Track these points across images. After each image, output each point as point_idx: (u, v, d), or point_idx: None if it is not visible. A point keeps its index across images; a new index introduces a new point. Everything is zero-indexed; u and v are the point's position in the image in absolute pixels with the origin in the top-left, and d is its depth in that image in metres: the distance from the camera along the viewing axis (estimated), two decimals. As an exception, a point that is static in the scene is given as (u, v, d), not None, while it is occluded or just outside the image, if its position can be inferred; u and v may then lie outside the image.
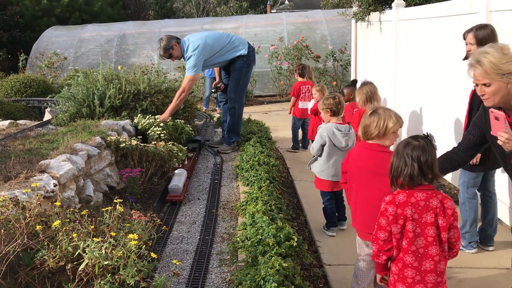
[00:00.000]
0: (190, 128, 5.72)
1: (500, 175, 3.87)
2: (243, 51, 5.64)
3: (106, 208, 2.64)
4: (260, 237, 3.08)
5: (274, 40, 12.91)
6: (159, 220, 3.07)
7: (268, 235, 3.07)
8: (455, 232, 2.15)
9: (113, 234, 2.33)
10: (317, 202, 4.77)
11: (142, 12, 23.07)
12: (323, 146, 3.74)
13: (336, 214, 3.98)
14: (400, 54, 6.50)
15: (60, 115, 5.48)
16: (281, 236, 3.05)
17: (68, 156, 3.55)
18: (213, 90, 6.07)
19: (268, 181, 4.37)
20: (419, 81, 5.78)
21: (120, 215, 2.70)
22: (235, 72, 5.70)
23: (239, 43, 5.67)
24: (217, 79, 6.09)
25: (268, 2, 27.17)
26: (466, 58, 3.74)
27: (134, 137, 4.85)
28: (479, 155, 3.42)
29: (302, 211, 4.72)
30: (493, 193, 3.67)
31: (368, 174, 2.67)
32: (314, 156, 3.89)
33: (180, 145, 4.85)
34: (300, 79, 6.70)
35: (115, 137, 4.31)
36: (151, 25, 15.51)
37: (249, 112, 8.86)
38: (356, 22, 8.82)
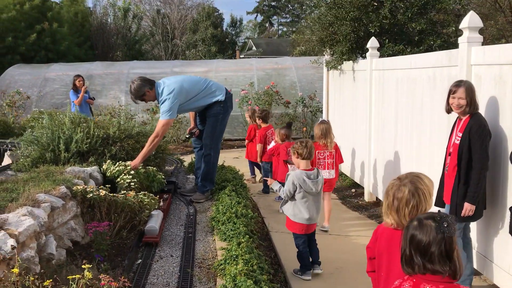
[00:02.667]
0: (162, 176, 5.42)
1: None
2: (220, 97, 5.47)
3: (73, 276, 2.29)
4: (245, 305, 2.79)
5: (245, 84, 12.94)
6: (129, 283, 2.74)
7: (253, 301, 2.78)
8: None
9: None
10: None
11: (110, 53, 22.86)
12: (294, 191, 3.89)
13: (310, 258, 4.05)
14: (375, 103, 6.49)
15: (22, 159, 5.08)
16: (268, 303, 2.77)
17: (29, 210, 3.19)
18: (187, 136, 5.84)
19: (247, 236, 4.09)
20: (395, 131, 5.74)
21: (88, 283, 2.37)
22: (211, 118, 5.50)
23: (216, 89, 5.50)
24: (192, 125, 5.86)
25: (236, 47, 27.63)
26: (449, 111, 3.77)
27: (102, 186, 4.51)
28: (473, 208, 3.46)
29: (281, 267, 4.45)
30: (469, 238, 3.74)
31: None
32: (283, 199, 4.02)
33: (151, 195, 4.53)
34: (263, 124, 7.00)
35: (81, 187, 3.97)
36: (119, 66, 15.28)
37: (221, 156, 8.63)
38: (328, 70, 8.88)
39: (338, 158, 5.46)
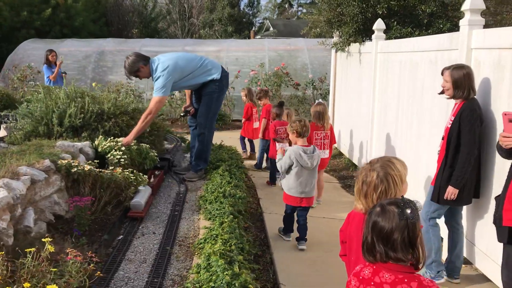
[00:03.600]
0: (155, 154, 5.38)
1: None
2: (216, 75, 5.38)
3: (29, 250, 2.27)
4: (213, 285, 2.75)
5: (255, 65, 12.77)
6: (97, 259, 2.72)
7: (221, 283, 2.73)
8: None
9: (27, 285, 1.96)
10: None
11: (125, 30, 22.81)
12: (290, 166, 4.11)
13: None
14: (379, 86, 6.34)
15: (15, 133, 5.09)
16: (236, 285, 2.72)
17: (6, 182, 3.19)
18: (182, 114, 5.77)
19: (232, 216, 4.04)
20: (397, 114, 5.60)
21: (49, 256, 2.35)
22: (206, 97, 5.42)
23: (212, 67, 5.41)
24: (188, 102, 5.79)
25: (253, 28, 27.32)
26: (442, 92, 3.73)
27: (92, 161, 4.50)
28: (456, 191, 3.44)
29: (269, 248, 4.41)
30: (461, 225, 3.68)
31: None
32: (283, 173, 4.24)
33: (139, 173, 4.50)
34: (267, 102, 7.19)
35: (66, 161, 3.95)
36: (131, 43, 15.23)
37: (226, 136, 8.58)
38: (336, 52, 8.71)
39: (332, 138, 5.60)
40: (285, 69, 12.17)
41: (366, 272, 1.76)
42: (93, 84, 11.13)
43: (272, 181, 6.38)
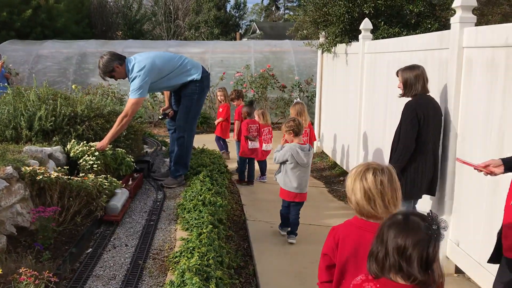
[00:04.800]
0: (132, 159, 5.09)
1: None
2: (196, 76, 5.10)
3: (-32, 272, 1.98)
4: (185, 306, 2.48)
5: (241, 67, 12.52)
6: (55, 278, 2.43)
7: (194, 303, 2.47)
8: None
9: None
10: (271, 247, 4.28)
11: (110, 32, 22.39)
12: (285, 162, 4.34)
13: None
14: (366, 87, 6.14)
15: (-21, 137, 4.77)
16: (211, 305, 2.46)
17: (-41, 192, 2.89)
18: (160, 117, 5.48)
19: (211, 225, 3.78)
20: (385, 115, 5.40)
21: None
22: (185, 98, 5.15)
23: (191, 67, 5.13)
24: (166, 104, 5.51)
25: (239, 30, 27.10)
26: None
27: (62, 167, 4.21)
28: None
29: (252, 259, 4.16)
30: None
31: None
32: (279, 169, 4.50)
33: (114, 179, 4.21)
34: (241, 103, 7.29)
35: (30, 168, 3.65)
36: (114, 45, 14.87)
37: (209, 140, 8.30)
38: (322, 53, 8.51)
39: (312, 135, 6.03)
40: (271, 71, 11.94)
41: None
42: (73, 87, 10.78)
43: (241, 178, 6.45)
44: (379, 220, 1.91)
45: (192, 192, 4.58)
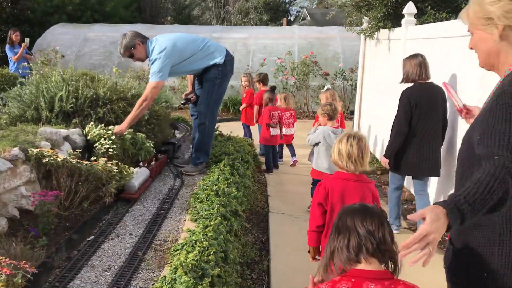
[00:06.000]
0: (152, 145, 4.93)
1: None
2: (219, 60, 4.85)
3: None
4: (169, 309, 2.26)
5: (284, 54, 12.14)
6: (34, 269, 2.28)
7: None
8: None
9: None
10: (290, 242, 4.02)
11: (158, 17, 22.53)
12: (317, 143, 4.56)
13: None
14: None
15: (1, 117, 4.76)
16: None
17: (-47, 172, 2.80)
18: (182, 102, 5.28)
19: (221, 218, 3.54)
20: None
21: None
22: (208, 83, 4.92)
23: (214, 50, 4.88)
24: (189, 89, 5.31)
25: (288, 16, 26.53)
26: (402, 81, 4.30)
27: (78, 150, 4.11)
28: (386, 161, 4.30)
29: (268, 253, 3.92)
30: (426, 191, 4.25)
31: None
32: (312, 150, 4.78)
33: (125, 166, 4.06)
34: (263, 87, 7.09)
35: (38, 150, 3.54)
36: (159, 30, 14.89)
37: (239, 127, 8.08)
38: (365, 39, 8.01)
39: (342, 123, 5.95)
40: (314, 57, 11.51)
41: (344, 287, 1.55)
42: (114, 69, 10.85)
43: (268, 168, 6.27)
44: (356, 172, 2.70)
45: (209, 181, 4.37)
